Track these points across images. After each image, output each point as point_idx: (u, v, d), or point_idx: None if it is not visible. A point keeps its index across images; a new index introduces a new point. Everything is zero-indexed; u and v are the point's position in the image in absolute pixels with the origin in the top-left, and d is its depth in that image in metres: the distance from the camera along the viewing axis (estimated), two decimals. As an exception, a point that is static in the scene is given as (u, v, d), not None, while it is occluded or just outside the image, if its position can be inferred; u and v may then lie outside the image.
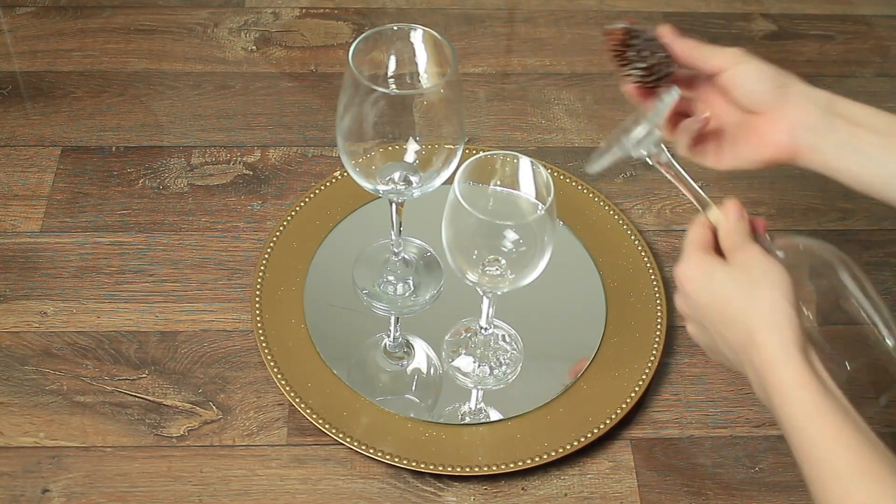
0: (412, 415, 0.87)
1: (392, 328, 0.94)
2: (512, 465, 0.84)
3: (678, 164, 0.75)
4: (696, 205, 0.74)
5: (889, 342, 0.71)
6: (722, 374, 0.92)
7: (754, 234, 0.71)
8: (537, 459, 0.84)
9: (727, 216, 0.71)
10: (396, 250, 0.95)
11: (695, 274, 0.69)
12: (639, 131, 0.73)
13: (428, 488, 0.84)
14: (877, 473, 0.54)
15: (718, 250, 0.71)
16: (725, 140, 0.76)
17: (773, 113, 0.73)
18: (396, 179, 0.85)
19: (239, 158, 1.07)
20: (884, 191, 0.69)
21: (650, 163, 0.75)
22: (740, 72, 0.74)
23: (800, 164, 0.73)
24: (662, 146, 0.74)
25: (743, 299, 0.65)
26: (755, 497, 0.85)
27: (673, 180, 0.75)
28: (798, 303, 0.63)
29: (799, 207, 1.06)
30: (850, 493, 0.54)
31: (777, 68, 0.74)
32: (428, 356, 0.92)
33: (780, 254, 0.70)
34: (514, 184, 0.80)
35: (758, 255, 0.67)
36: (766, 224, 0.72)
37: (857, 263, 0.73)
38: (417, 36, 0.82)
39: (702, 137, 0.77)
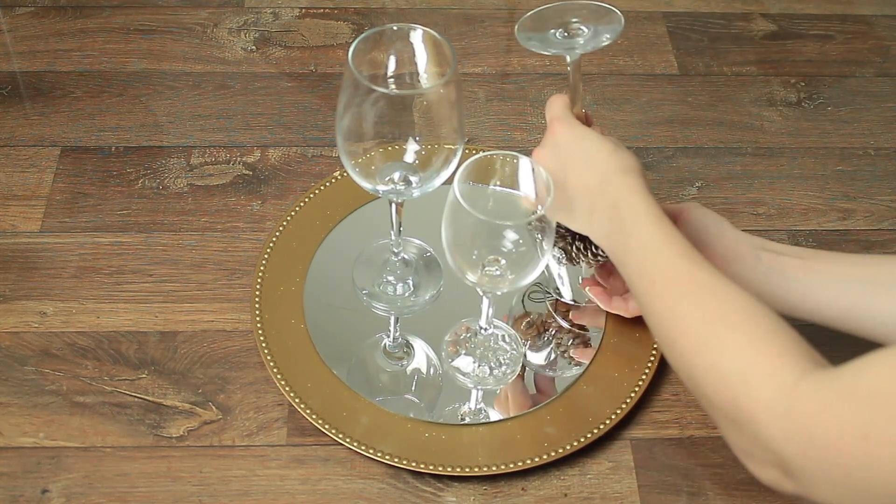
0: (412, 415, 0.87)
1: (392, 328, 0.94)
2: (512, 466, 0.84)
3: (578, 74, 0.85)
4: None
5: None
6: (722, 374, 0.92)
7: None
8: (537, 459, 0.84)
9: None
10: (396, 250, 0.95)
11: (573, 129, 0.82)
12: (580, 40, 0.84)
13: (428, 488, 0.84)
14: (685, 253, 0.74)
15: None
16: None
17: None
18: (396, 179, 0.85)
19: (239, 158, 1.07)
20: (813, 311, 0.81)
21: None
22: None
23: None
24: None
25: (608, 152, 0.80)
26: (755, 497, 0.85)
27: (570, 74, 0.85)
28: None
29: (799, 207, 1.06)
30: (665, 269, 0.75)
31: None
32: (428, 356, 0.92)
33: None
34: (513, 184, 0.80)
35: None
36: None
37: None
38: (417, 36, 0.82)
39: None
